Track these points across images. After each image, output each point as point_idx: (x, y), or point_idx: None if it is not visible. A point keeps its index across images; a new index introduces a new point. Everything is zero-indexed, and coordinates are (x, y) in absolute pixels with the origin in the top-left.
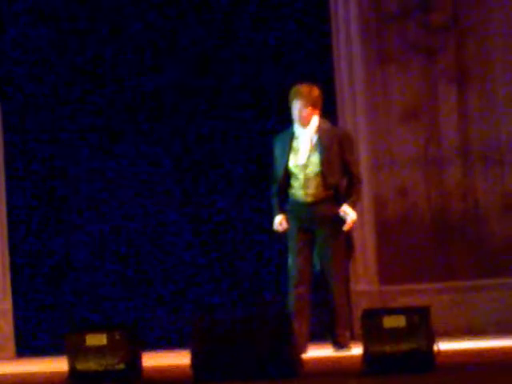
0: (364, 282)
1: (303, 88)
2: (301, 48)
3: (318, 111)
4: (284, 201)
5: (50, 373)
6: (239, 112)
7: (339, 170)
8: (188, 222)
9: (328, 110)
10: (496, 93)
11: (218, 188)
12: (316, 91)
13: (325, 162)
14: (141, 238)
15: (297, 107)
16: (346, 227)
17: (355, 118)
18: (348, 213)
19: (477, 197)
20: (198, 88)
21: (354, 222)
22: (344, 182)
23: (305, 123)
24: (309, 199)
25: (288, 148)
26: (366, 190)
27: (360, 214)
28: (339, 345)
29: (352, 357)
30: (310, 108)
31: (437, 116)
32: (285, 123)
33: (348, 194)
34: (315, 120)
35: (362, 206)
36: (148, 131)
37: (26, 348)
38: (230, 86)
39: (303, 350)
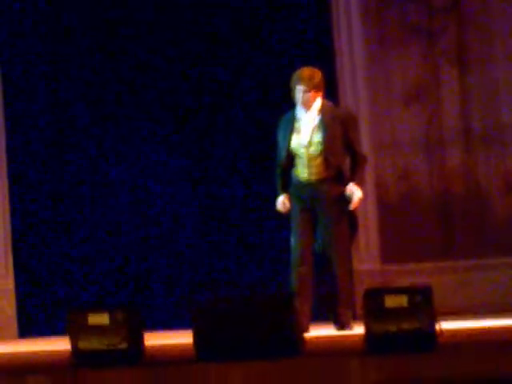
0: (366, 261)
1: (305, 72)
2: (301, 31)
3: (320, 94)
4: (288, 181)
5: (53, 352)
6: (241, 97)
7: (342, 150)
8: (190, 204)
9: (329, 93)
10: (497, 75)
11: (220, 170)
12: (318, 75)
13: (327, 141)
14: (144, 219)
15: (299, 91)
16: (352, 206)
17: (356, 101)
18: (354, 191)
19: (478, 178)
20: (201, 75)
21: (361, 201)
22: (347, 163)
23: (308, 107)
24: (312, 178)
25: (290, 129)
26: (368, 172)
27: (363, 195)
28: (341, 324)
29: (354, 336)
30: (312, 92)
31: (438, 98)
32: (288, 107)
33: (353, 172)
34: (318, 102)
35: (364, 188)
36: (153, 121)
37: (28, 328)
38: (232, 72)
39: (305, 329)
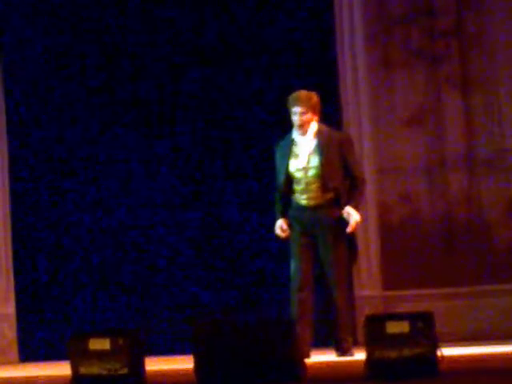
0: (367, 287)
1: (302, 94)
2: (306, 55)
3: (317, 117)
4: (287, 206)
5: (53, 377)
6: (243, 119)
7: (340, 173)
8: (192, 229)
9: (333, 116)
10: (500, 98)
11: (223, 194)
12: (315, 97)
13: (325, 165)
14: (144, 244)
15: (296, 113)
16: (349, 229)
17: (360, 125)
18: (351, 214)
19: (481, 202)
20: (201, 91)
21: (358, 224)
22: (346, 185)
23: (304, 129)
24: (311, 203)
25: (288, 153)
26: (371, 196)
27: (364, 220)
28: (342, 350)
29: (355, 362)
30: (309, 114)
31: (441, 122)
32: (287, 129)
33: (351, 195)
34: (314, 125)
35: (366, 212)
36: (154, 135)
37: (29, 352)
38: (235, 94)
39: (306, 354)
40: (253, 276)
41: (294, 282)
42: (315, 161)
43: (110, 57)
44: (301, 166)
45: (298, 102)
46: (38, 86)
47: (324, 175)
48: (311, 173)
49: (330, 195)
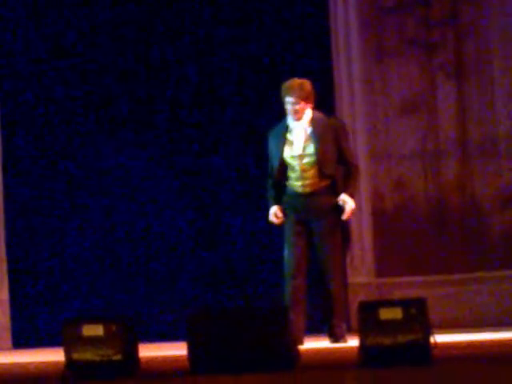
0: (361, 274)
1: (294, 83)
2: (299, 43)
3: (310, 104)
4: (280, 193)
5: (47, 363)
6: (236, 107)
7: (335, 159)
8: (185, 215)
9: (326, 104)
10: (494, 87)
11: (216, 182)
12: (307, 85)
13: (320, 152)
14: (138, 231)
15: (289, 102)
16: (344, 216)
17: (353, 112)
18: (347, 201)
19: (474, 190)
20: (196, 83)
21: (353, 211)
22: (340, 172)
23: (298, 118)
24: (306, 190)
25: (282, 140)
26: (364, 183)
27: (357, 207)
28: (336, 336)
29: (348, 349)
30: (302, 103)
31: (435, 110)
32: (282, 117)
33: (346, 183)
34: (308, 113)
35: (359, 199)
36: (148, 128)
37: (22, 338)
38: (227, 81)
39: (299, 341)
40: (246, 263)
41: (288, 269)
42: (311, 148)
43: (103, 57)
44: (296, 154)
45: (289, 92)
46: (33, 84)
47: (319, 162)
48: (306, 160)
49: (325, 182)
